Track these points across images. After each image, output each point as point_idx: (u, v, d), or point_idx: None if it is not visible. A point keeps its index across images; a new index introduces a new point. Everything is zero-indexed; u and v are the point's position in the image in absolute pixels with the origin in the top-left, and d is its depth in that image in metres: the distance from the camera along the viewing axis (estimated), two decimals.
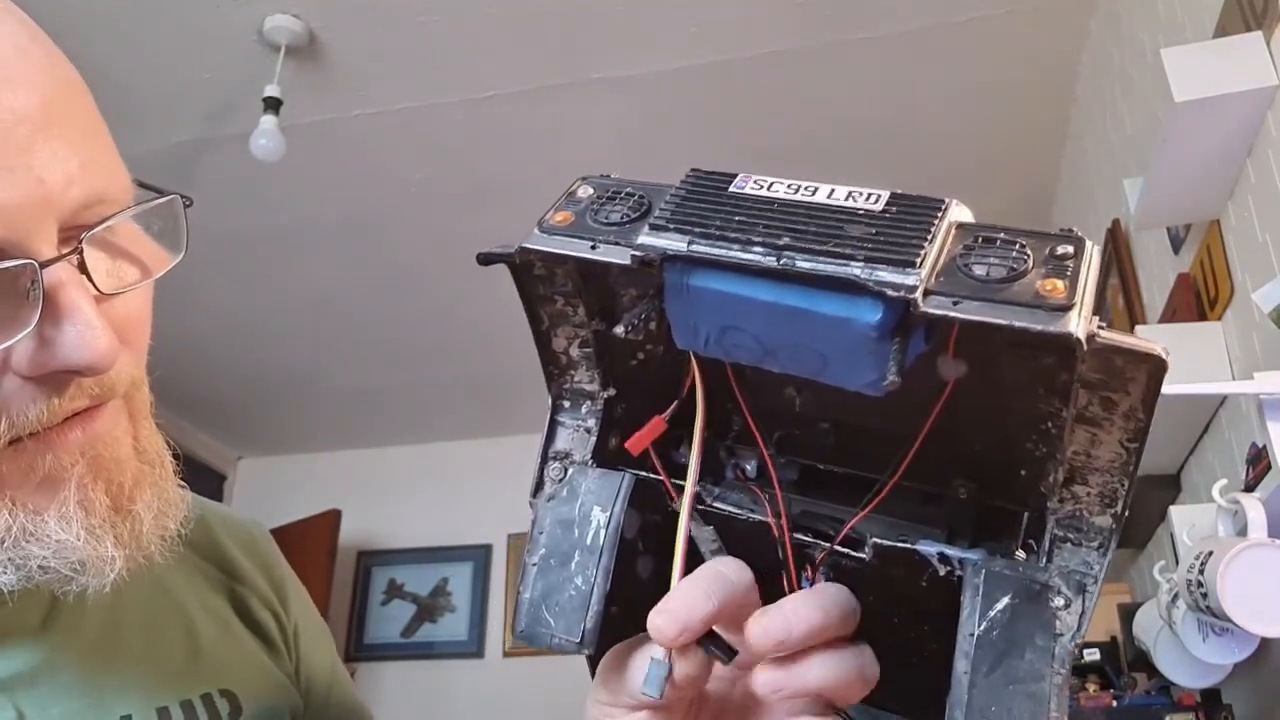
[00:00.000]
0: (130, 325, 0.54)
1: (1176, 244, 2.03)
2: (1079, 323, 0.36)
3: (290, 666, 0.75)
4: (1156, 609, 1.60)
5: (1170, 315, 1.95)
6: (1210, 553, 1.29)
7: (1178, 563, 1.49)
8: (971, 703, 0.41)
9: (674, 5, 2.55)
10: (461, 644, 4.47)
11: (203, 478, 4.66)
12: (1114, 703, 1.74)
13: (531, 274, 0.48)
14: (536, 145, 2.96)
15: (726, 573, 0.46)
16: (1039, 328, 0.36)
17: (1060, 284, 0.37)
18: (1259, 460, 1.46)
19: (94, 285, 0.50)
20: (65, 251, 0.48)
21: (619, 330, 0.45)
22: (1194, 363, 1.66)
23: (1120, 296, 2.38)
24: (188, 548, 0.73)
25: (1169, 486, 2.04)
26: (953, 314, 0.37)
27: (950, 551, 0.45)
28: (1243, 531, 1.30)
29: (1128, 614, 1.89)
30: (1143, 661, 1.85)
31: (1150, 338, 0.38)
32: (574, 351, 0.50)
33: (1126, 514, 0.42)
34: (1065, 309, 0.36)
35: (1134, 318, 2.26)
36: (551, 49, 2.68)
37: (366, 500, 4.66)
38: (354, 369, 4.25)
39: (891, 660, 0.51)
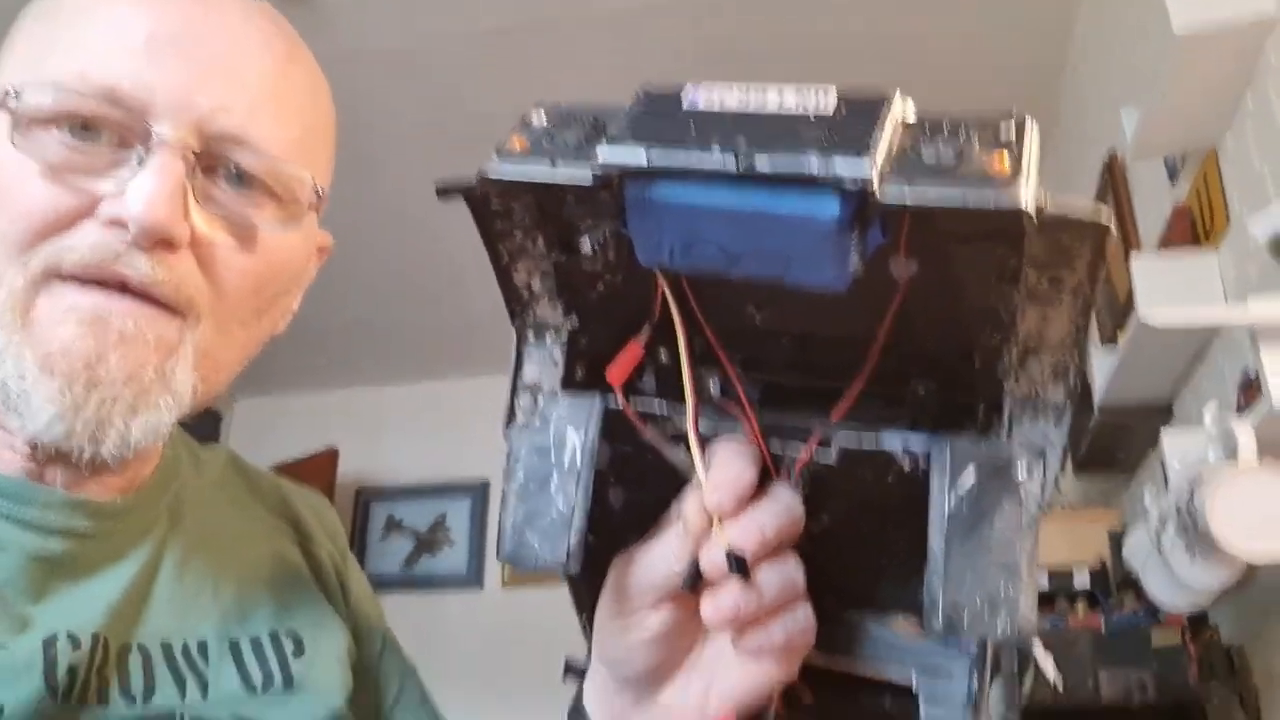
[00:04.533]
0: (223, 265, 0.58)
1: (1173, 173, 2.02)
2: (1027, 194, 0.37)
3: (346, 616, 0.78)
4: (1146, 534, 1.63)
5: (1166, 244, 1.95)
6: (1201, 478, 1.31)
7: (1168, 489, 1.52)
8: (949, 574, 0.43)
9: None
10: (461, 576, 4.52)
11: (199, 418, 4.65)
12: (1102, 625, 1.78)
13: (489, 209, 0.49)
14: (533, 79, 2.92)
15: (742, 448, 0.49)
16: (991, 203, 0.37)
17: (1006, 161, 0.38)
18: (1250, 387, 1.48)
19: (194, 193, 0.55)
20: (183, 140, 0.54)
21: (584, 247, 0.46)
22: (1189, 291, 1.67)
23: (1115, 227, 2.37)
24: (261, 504, 0.77)
25: (1161, 415, 2.06)
26: (908, 198, 0.38)
27: (914, 443, 0.47)
28: (1233, 457, 1.32)
29: (1117, 540, 1.93)
30: (1131, 586, 1.89)
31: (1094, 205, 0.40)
32: (535, 284, 0.51)
33: (1079, 385, 0.45)
34: (1013, 183, 0.37)
35: (1129, 245, 2.27)
36: None
37: (364, 438, 4.67)
38: (350, 308, 4.24)
39: (861, 564, 0.53)
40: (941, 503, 0.44)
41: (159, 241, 0.54)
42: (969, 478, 0.44)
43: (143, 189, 0.53)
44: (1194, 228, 1.84)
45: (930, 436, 0.47)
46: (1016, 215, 0.37)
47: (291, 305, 0.69)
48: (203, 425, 5.13)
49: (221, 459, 0.78)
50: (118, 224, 0.53)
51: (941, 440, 0.46)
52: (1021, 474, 0.44)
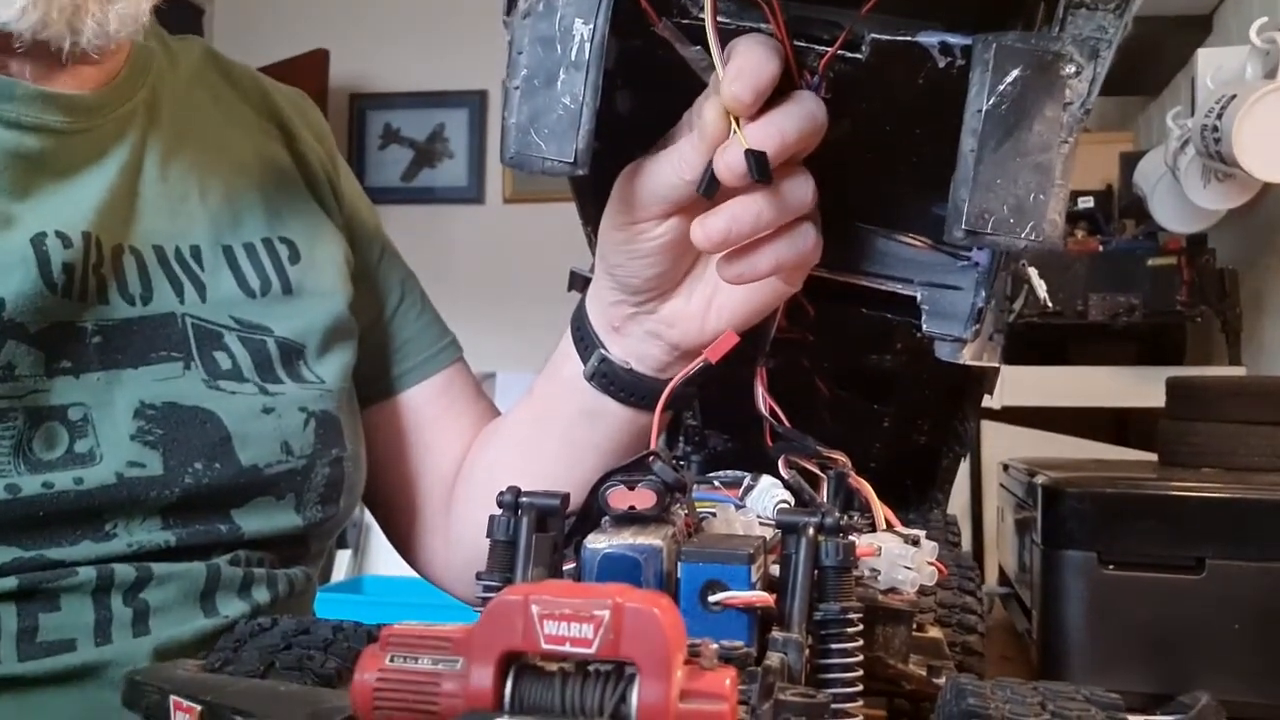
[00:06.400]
0: None
1: None
2: None
3: (341, 223, 0.78)
4: (1162, 156, 1.59)
5: None
6: (1233, 96, 1.25)
7: (1194, 109, 1.46)
8: (978, 178, 0.40)
9: None
10: (461, 189, 4.55)
11: (177, 11, 4.44)
12: (1100, 248, 1.78)
13: None
14: None
15: (764, 42, 0.45)
16: None
17: None
18: None
19: None
20: None
21: None
22: None
23: None
24: (243, 101, 0.75)
25: (1197, 28, 1.94)
26: None
27: (952, 39, 0.42)
28: (1272, 74, 1.25)
29: (1129, 161, 1.89)
30: (1134, 211, 1.88)
31: None
32: None
33: None
34: None
35: None
36: None
37: (356, 40, 4.48)
38: None
39: (876, 175, 0.50)
40: (979, 100, 0.40)
41: None
42: (1012, 73, 0.40)
43: None
44: None
45: (971, 34, 0.42)
46: None
47: None
48: (182, 19, 4.90)
49: (196, 51, 0.75)
50: None
51: (989, 37, 0.41)
52: (1069, 70, 0.40)
